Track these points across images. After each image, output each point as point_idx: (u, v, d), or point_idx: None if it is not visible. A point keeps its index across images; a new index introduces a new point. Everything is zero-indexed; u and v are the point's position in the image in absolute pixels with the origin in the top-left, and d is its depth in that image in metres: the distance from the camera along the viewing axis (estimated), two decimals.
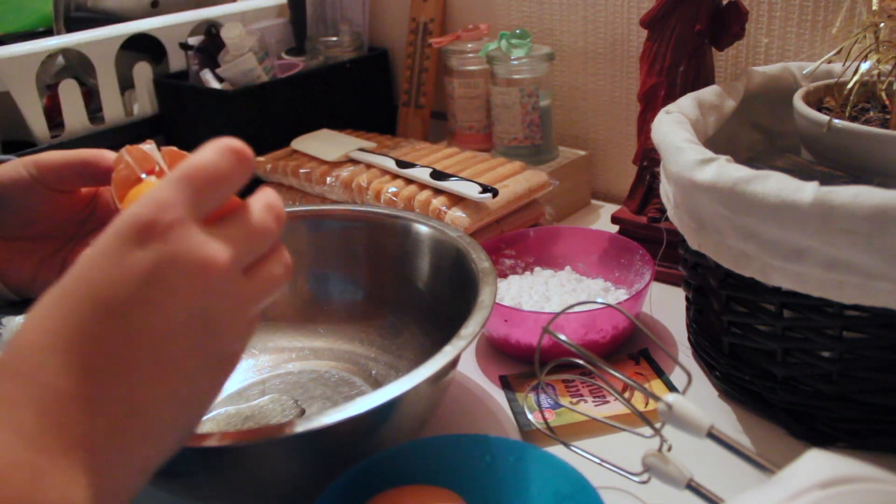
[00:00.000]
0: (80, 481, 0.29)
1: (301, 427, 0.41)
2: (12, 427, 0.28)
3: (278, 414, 0.58)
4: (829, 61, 0.59)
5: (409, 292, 0.63)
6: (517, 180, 0.79)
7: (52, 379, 0.29)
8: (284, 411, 0.58)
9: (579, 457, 0.50)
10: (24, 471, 0.28)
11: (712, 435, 0.40)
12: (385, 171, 0.82)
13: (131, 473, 0.31)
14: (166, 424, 0.32)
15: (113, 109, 1.01)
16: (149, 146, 0.45)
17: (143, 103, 1.04)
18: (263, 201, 0.36)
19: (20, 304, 0.52)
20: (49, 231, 0.51)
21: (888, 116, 0.55)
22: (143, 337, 0.31)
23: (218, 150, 0.34)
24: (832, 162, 0.55)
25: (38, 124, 0.94)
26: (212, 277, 0.32)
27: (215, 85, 0.96)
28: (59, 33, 1.07)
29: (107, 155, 0.48)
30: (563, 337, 0.45)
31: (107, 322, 0.30)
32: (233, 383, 0.62)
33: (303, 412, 0.58)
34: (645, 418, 0.45)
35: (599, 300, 0.64)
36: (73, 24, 1.06)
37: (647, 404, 0.55)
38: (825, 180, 0.43)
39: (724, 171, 0.46)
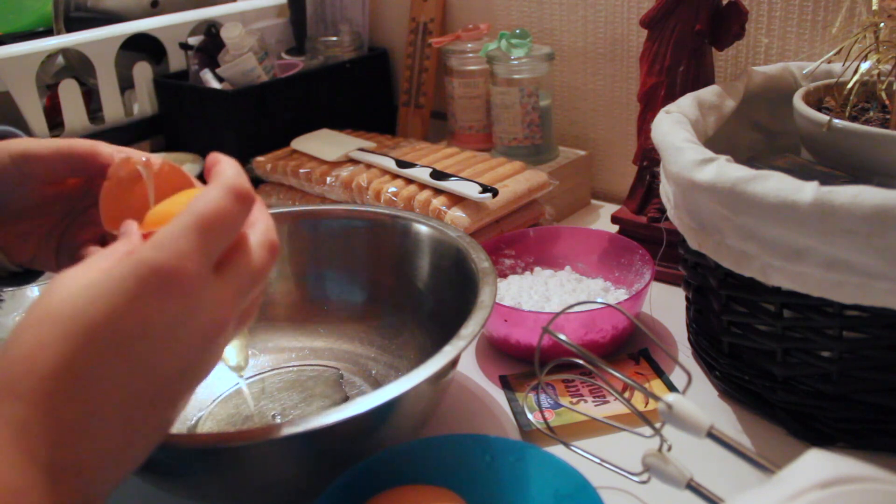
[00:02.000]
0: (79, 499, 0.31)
1: (301, 427, 0.41)
2: (24, 451, 0.30)
3: (279, 414, 0.58)
4: (829, 61, 0.59)
5: (409, 292, 0.63)
6: (517, 180, 0.79)
7: (62, 410, 0.31)
8: (285, 410, 0.58)
9: (579, 457, 0.50)
10: (40, 494, 0.30)
11: (712, 435, 0.40)
12: (385, 171, 0.82)
13: (94, 458, 0.33)
14: (150, 447, 0.35)
15: (113, 109, 1.01)
16: (142, 164, 0.44)
17: (143, 103, 1.04)
18: (265, 238, 0.38)
19: (24, 275, 0.51)
20: (42, 214, 0.49)
21: (888, 116, 0.55)
22: (152, 378, 0.33)
23: (225, 194, 0.35)
24: (832, 162, 0.55)
25: (38, 124, 0.95)
26: (221, 332, 0.35)
27: (215, 85, 0.96)
28: (59, 33, 1.07)
29: (101, 148, 0.46)
30: (563, 337, 0.45)
31: (123, 361, 0.32)
32: (232, 383, 0.62)
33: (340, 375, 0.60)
34: (645, 418, 0.45)
35: (599, 300, 0.64)
36: (73, 24, 1.06)
37: (647, 404, 0.55)
38: (825, 180, 0.43)
39: (724, 171, 0.46)
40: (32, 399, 0.30)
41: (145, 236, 0.38)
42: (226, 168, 0.37)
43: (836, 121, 0.53)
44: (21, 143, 0.46)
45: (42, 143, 0.46)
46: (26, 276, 0.51)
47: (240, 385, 0.61)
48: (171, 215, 0.37)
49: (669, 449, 0.42)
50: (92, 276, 0.33)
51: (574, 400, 0.57)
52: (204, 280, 0.34)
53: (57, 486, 0.30)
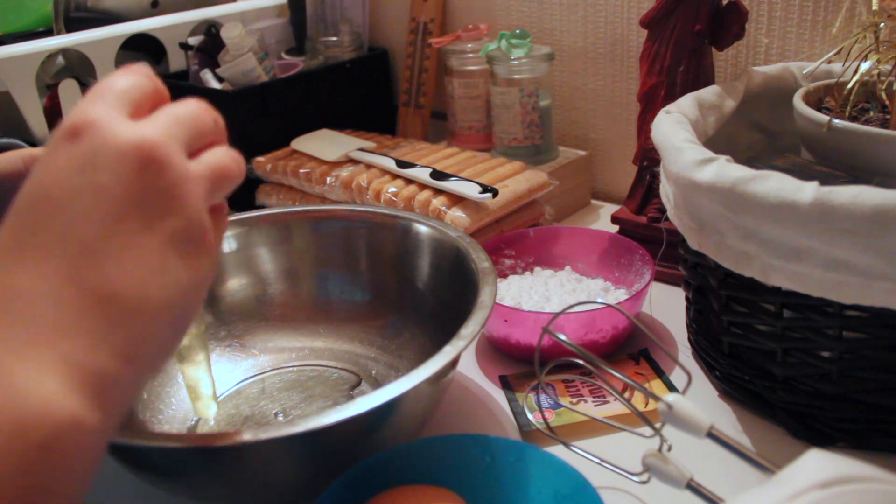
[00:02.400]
0: (53, 370, 0.28)
1: (300, 427, 0.41)
2: None
3: (279, 413, 0.58)
4: (829, 61, 0.59)
5: (409, 292, 0.63)
6: (517, 180, 0.79)
7: (8, 279, 0.29)
8: (285, 410, 0.58)
9: (579, 457, 0.50)
10: None
11: (712, 435, 0.40)
12: (385, 171, 0.82)
13: (111, 357, 0.30)
14: (137, 303, 0.31)
15: None
16: None
17: None
18: (192, 100, 0.37)
19: None
20: None
21: (888, 116, 0.55)
22: (94, 219, 0.31)
23: (122, 72, 0.36)
24: (832, 162, 0.55)
25: (38, 124, 0.94)
26: (148, 153, 0.32)
27: (215, 85, 0.96)
28: (59, 33, 1.06)
29: None
30: (563, 337, 0.45)
31: (55, 212, 0.31)
32: (232, 383, 0.62)
33: (359, 381, 0.60)
34: (645, 418, 0.45)
35: (599, 300, 0.64)
36: (73, 24, 1.06)
37: (646, 404, 0.55)
38: (825, 180, 0.43)
39: (724, 171, 0.46)
40: None
41: None
42: None
43: (836, 121, 0.53)
44: (34, 149, 0.46)
45: None
46: None
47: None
48: None
49: (669, 449, 0.42)
50: None
51: (574, 400, 0.57)
52: (111, 117, 0.33)
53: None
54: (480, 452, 0.47)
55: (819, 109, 0.57)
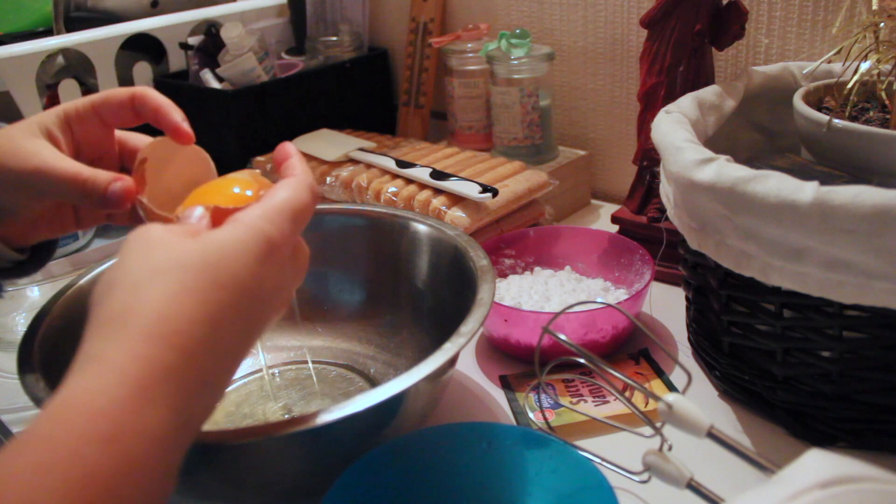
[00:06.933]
0: (168, 417, 0.30)
1: (299, 425, 0.41)
2: (166, 396, 0.31)
3: (278, 411, 0.58)
4: (829, 61, 0.59)
5: (407, 291, 0.63)
6: (517, 180, 0.79)
7: (202, 361, 0.32)
8: (288, 410, 0.58)
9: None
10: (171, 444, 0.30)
11: (712, 435, 0.40)
12: (385, 171, 0.82)
13: (202, 413, 0.34)
14: (231, 373, 0.36)
15: None
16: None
17: None
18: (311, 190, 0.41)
19: (22, 265, 0.50)
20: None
21: (888, 116, 0.55)
22: (251, 333, 0.36)
23: (310, 192, 0.40)
24: (832, 162, 0.55)
25: None
26: (285, 307, 0.40)
27: (215, 85, 0.96)
28: (59, 33, 1.06)
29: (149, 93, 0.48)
30: (563, 337, 0.45)
31: (241, 316, 0.35)
32: (231, 381, 0.62)
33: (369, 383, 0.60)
34: (646, 418, 0.45)
35: (599, 300, 0.64)
36: (73, 24, 1.06)
37: (646, 404, 0.55)
38: (825, 180, 0.43)
39: (724, 170, 0.46)
40: (180, 344, 0.31)
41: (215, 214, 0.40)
42: (298, 164, 0.42)
43: (836, 121, 0.53)
44: (142, 88, 0.48)
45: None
46: (27, 265, 0.50)
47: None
48: (211, 196, 0.41)
49: (670, 448, 0.42)
50: (218, 236, 0.35)
51: (574, 400, 0.57)
52: (288, 258, 0.39)
53: (178, 439, 0.31)
54: (479, 440, 0.47)
55: (819, 109, 0.57)
